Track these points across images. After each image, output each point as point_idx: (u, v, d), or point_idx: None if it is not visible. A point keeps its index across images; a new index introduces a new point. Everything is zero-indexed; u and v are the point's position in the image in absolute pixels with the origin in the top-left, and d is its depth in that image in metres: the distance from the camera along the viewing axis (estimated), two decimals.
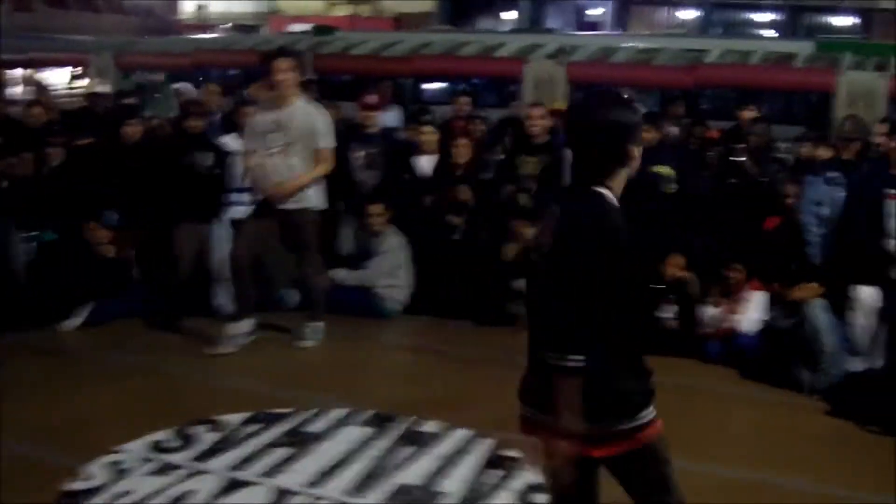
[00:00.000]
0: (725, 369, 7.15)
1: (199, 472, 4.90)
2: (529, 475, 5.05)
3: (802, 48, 16.36)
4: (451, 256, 8.43)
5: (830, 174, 7.22)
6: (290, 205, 7.13)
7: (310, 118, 7.14)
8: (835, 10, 32.67)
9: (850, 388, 6.43)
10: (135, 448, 5.17)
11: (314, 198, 7.27)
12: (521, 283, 8.13)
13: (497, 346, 7.59)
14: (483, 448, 5.41)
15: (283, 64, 7.01)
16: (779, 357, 6.83)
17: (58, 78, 24.67)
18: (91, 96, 12.56)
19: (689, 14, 35.62)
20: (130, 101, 10.16)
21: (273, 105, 7.12)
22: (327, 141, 7.20)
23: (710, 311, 7.48)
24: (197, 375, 6.61)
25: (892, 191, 6.71)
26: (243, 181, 7.93)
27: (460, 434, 5.59)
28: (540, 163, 8.46)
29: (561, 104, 10.60)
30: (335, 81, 16.83)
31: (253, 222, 7.30)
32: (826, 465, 5.48)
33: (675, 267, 7.71)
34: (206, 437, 5.35)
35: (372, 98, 8.94)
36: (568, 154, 3.33)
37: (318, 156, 7.15)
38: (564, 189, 3.43)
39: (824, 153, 7.59)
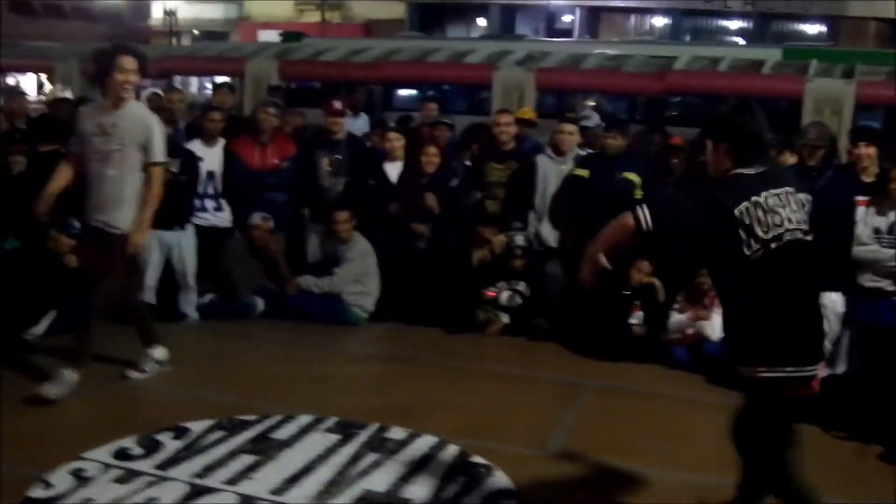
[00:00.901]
0: (692, 375, 7.19)
1: (163, 480, 4.85)
2: (496, 481, 5.07)
3: (770, 55, 16.48)
4: (417, 264, 8.44)
5: None
6: (105, 225, 6.23)
7: (143, 125, 6.19)
8: (802, 18, 32.95)
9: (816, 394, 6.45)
10: (98, 456, 5.11)
11: (128, 219, 6.23)
12: (492, 289, 8.24)
13: (464, 353, 7.65)
14: (449, 454, 5.40)
15: (129, 63, 6.07)
16: None
17: (25, 85, 24.47)
18: (54, 103, 12.44)
19: (658, 21, 35.80)
20: None
21: (103, 107, 6.24)
22: (160, 155, 6.26)
23: (676, 318, 7.53)
24: (164, 385, 6.54)
25: (862, 197, 6.78)
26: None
27: (426, 440, 5.58)
28: (507, 169, 8.48)
29: (529, 112, 10.60)
30: (304, 88, 16.82)
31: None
32: None
33: (642, 273, 7.76)
34: (171, 445, 5.30)
35: (338, 104, 8.90)
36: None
37: (148, 172, 6.22)
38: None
39: (789, 159, 7.63)
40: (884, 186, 6.63)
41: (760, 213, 3.89)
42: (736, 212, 3.87)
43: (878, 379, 6.22)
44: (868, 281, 6.67)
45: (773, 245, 3.88)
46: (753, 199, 3.90)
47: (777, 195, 3.97)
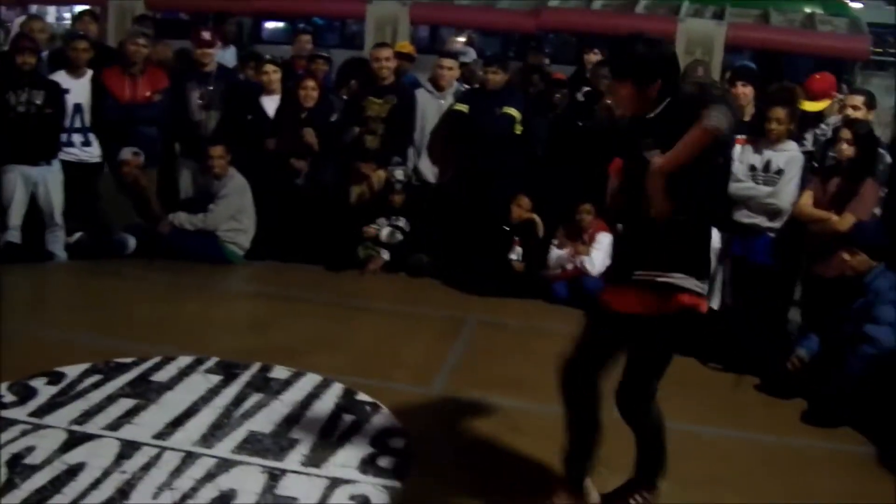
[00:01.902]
0: (571, 310, 7.27)
1: (39, 428, 4.65)
2: (384, 418, 5.03)
3: None
4: (295, 200, 8.28)
5: None
6: None
7: None
8: None
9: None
10: None
11: None
12: (372, 226, 8.15)
13: (345, 291, 7.60)
14: (334, 393, 5.35)
15: None
16: None
17: None
18: None
19: None
20: None
21: None
22: None
23: (556, 253, 7.60)
24: (34, 328, 6.24)
25: (739, 136, 6.92)
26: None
27: (310, 379, 5.51)
28: (386, 104, 8.35)
29: (408, 46, 10.44)
30: (172, 19, 16.23)
31: None
32: (670, 402, 5.59)
33: (522, 209, 7.79)
34: (45, 391, 5.08)
35: (206, 34, 8.59)
36: None
37: None
38: None
39: None
40: (760, 125, 6.77)
41: None
42: None
43: (751, 313, 6.41)
44: (744, 217, 6.85)
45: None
46: None
47: None
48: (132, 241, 8.07)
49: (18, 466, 4.24)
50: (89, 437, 4.58)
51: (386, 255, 8.17)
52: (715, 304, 7.00)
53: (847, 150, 6.22)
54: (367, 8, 15.01)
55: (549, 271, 7.60)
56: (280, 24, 17.52)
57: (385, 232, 8.18)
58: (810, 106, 7.18)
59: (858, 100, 6.83)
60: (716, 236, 6.98)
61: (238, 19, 14.72)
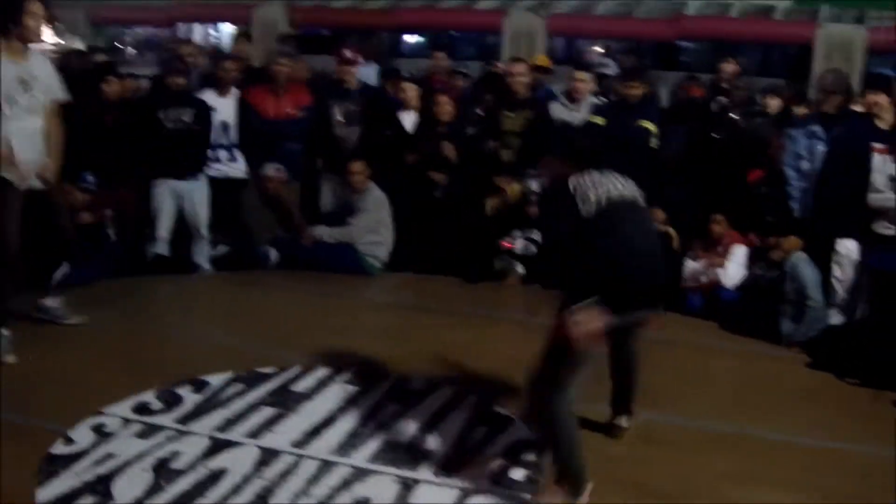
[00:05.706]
0: (706, 322, 7.20)
1: (184, 434, 4.86)
2: (518, 431, 5.05)
3: (780, 2, 16.29)
4: (434, 213, 8.40)
5: (812, 128, 7.18)
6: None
7: (50, 68, 5.96)
8: None
9: (829, 341, 6.46)
10: (119, 410, 5.10)
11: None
12: (508, 240, 8.21)
13: (482, 302, 7.63)
14: (470, 404, 5.40)
15: (36, 7, 5.64)
16: (760, 310, 6.87)
17: None
18: (65, 54, 12.30)
19: None
20: (104, 58, 9.92)
21: (11, 57, 5.65)
22: (63, 91, 6.03)
23: (691, 265, 7.51)
24: (180, 336, 6.52)
25: (878, 144, 6.71)
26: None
27: (446, 390, 5.57)
28: (521, 118, 8.40)
29: (543, 59, 10.49)
30: (314, 35, 16.67)
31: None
32: (805, 417, 5.51)
33: (657, 221, 7.71)
34: (190, 398, 5.30)
35: (349, 52, 8.81)
36: None
37: (52, 111, 5.93)
38: None
39: (799, 111, 7.61)
40: None
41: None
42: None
43: (890, 326, 6.21)
44: (882, 228, 6.63)
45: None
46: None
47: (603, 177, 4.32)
48: (274, 254, 8.34)
49: (164, 471, 4.43)
50: (231, 444, 4.76)
51: (521, 269, 8.21)
52: (856, 318, 6.82)
53: None
54: (504, 20, 15.19)
55: (685, 283, 7.51)
56: (419, 38, 17.79)
57: (520, 244, 8.22)
58: None
59: None
60: (853, 247, 6.81)
61: (380, 35, 15.03)
